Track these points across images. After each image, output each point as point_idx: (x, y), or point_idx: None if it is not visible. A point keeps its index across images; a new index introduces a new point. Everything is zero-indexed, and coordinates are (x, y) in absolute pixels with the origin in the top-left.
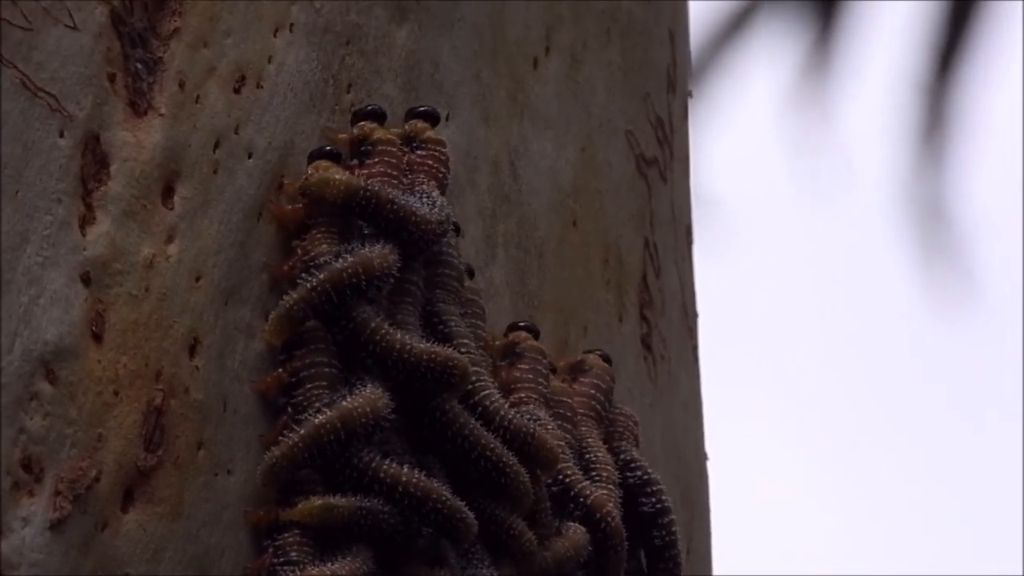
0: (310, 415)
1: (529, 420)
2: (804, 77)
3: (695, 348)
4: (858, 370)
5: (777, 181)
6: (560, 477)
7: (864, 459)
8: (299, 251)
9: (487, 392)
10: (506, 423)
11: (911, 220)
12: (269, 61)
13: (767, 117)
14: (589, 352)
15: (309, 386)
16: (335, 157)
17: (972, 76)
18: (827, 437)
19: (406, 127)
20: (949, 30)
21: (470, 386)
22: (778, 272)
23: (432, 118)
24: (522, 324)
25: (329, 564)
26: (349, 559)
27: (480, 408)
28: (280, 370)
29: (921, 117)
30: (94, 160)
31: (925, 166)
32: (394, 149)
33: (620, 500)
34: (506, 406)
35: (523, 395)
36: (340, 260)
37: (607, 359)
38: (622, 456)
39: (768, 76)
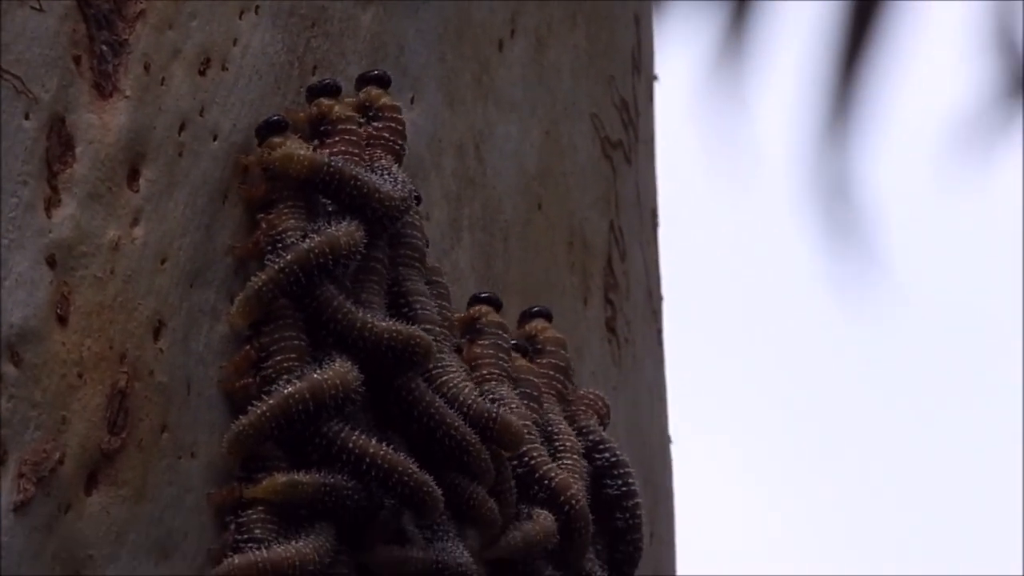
0: (280, 386)
1: (491, 403)
2: (716, 64)
3: (660, 332)
4: (773, 355)
5: (688, 165)
6: (526, 459)
7: (792, 446)
8: (264, 224)
9: (447, 377)
10: (466, 408)
11: (816, 202)
12: (234, 43)
13: (679, 103)
14: (531, 312)
15: (279, 357)
16: (282, 127)
17: (878, 59)
18: (766, 424)
19: (360, 95)
20: (857, 14)
21: (428, 372)
22: (684, 254)
23: (384, 82)
24: (483, 295)
25: (293, 542)
26: (312, 537)
27: (439, 394)
28: (248, 347)
29: (827, 100)
30: (59, 142)
31: (830, 149)
32: (354, 127)
33: (587, 471)
34: (467, 390)
35: (485, 372)
36: (307, 240)
37: (548, 316)
38: (590, 437)
39: (681, 63)
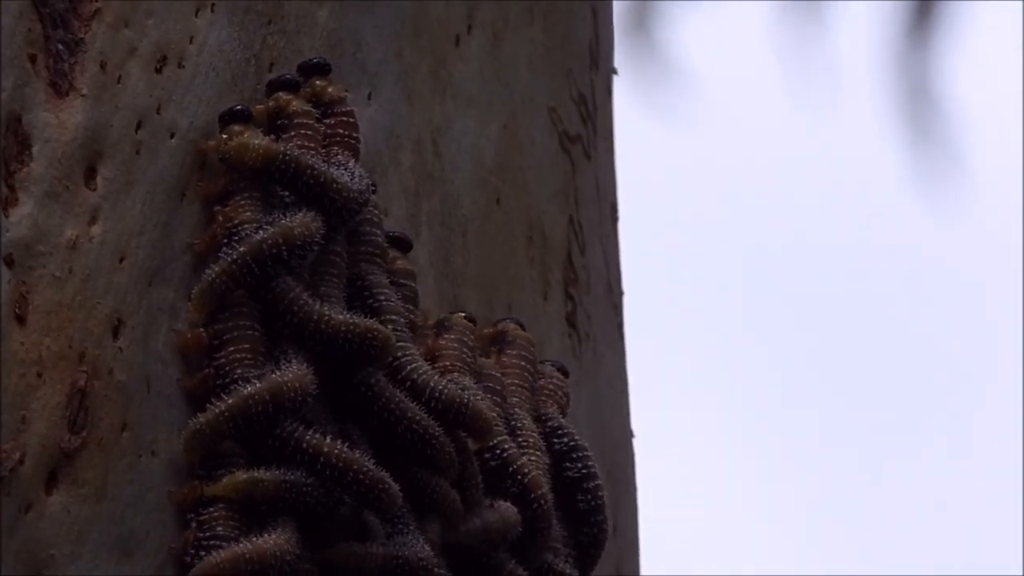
0: (239, 385)
1: (462, 391)
2: None
3: (620, 325)
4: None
5: (765, 70)
6: (498, 451)
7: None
8: (221, 217)
9: (415, 365)
10: (437, 394)
11: (898, 105)
12: (191, 41)
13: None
14: (504, 320)
15: (231, 348)
16: (245, 116)
17: None
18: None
19: (305, 89)
20: None
21: (397, 361)
22: (757, 158)
23: (325, 69)
24: (461, 312)
25: (256, 539)
26: (275, 534)
27: (409, 382)
28: (202, 329)
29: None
30: (16, 141)
31: (913, 49)
32: (311, 121)
33: (548, 467)
34: (436, 377)
35: (447, 363)
36: (261, 231)
37: (521, 326)
38: (549, 423)
39: None
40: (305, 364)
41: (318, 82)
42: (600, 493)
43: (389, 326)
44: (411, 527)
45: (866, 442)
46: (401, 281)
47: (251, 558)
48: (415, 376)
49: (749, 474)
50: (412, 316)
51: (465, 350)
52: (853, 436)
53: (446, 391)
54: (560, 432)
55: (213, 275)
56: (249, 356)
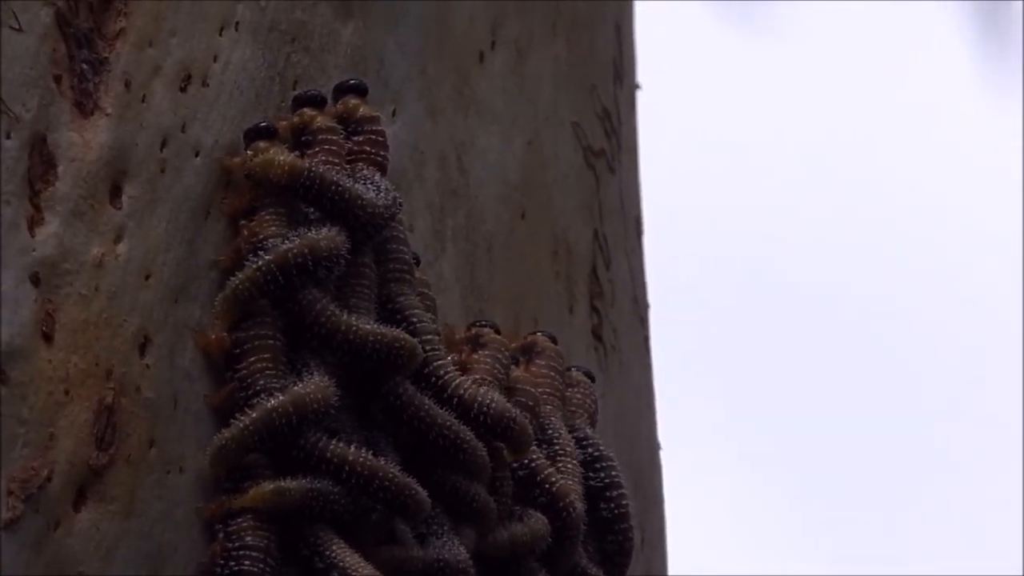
0: (261, 397)
1: (509, 405)
2: None
3: (646, 338)
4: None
5: None
6: (526, 462)
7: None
8: (246, 232)
9: (459, 380)
10: (487, 407)
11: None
12: (215, 60)
13: None
14: (535, 333)
15: (252, 358)
16: (270, 133)
17: None
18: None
19: (338, 106)
20: None
21: (440, 380)
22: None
23: (362, 90)
24: (484, 323)
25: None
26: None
27: (456, 398)
28: (224, 333)
29: None
30: (41, 161)
31: None
32: (336, 137)
33: (582, 475)
34: (482, 390)
35: (478, 377)
36: (286, 242)
37: (553, 340)
38: (575, 434)
39: None
40: (326, 376)
41: (352, 100)
42: (624, 502)
43: (427, 347)
44: (446, 529)
45: (921, 444)
46: (420, 291)
47: None
48: (462, 389)
49: (781, 487)
50: (436, 327)
51: (498, 366)
52: (907, 441)
53: (496, 403)
54: (585, 442)
55: (237, 282)
56: (270, 366)
